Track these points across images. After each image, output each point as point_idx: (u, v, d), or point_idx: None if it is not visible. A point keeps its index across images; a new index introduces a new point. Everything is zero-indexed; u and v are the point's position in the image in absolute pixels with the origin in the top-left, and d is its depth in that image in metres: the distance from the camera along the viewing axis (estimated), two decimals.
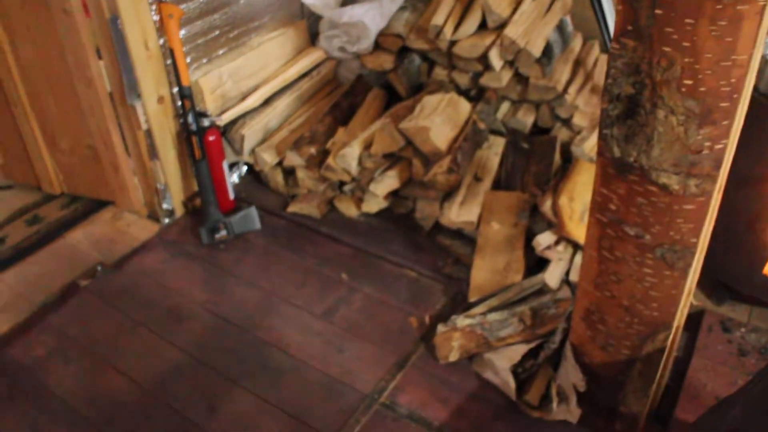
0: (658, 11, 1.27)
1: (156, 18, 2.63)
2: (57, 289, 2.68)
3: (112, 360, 2.36)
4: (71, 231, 3.02)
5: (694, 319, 2.34)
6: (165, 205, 3.01)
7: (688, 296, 1.77)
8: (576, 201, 2.50)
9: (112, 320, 2.53)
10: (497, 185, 2.86)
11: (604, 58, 3.21)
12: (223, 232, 2.87)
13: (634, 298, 1.72)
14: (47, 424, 2.15)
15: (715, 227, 1.65)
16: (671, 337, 1.81)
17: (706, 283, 2.41)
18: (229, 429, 2.12)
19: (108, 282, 2.71)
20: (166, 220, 3.03)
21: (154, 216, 3.06)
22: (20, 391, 2.26)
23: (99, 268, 2.77)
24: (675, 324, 1.78)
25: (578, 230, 2.40)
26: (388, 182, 2.82)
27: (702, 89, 1.32)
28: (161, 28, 2.66)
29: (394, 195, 2.93)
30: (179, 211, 3.05)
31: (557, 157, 2.86)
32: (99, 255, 2.85)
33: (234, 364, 2.32)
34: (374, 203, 2.92)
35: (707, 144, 1.40)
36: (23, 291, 2.68)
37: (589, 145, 2.81)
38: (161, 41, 2.69)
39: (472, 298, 2.42)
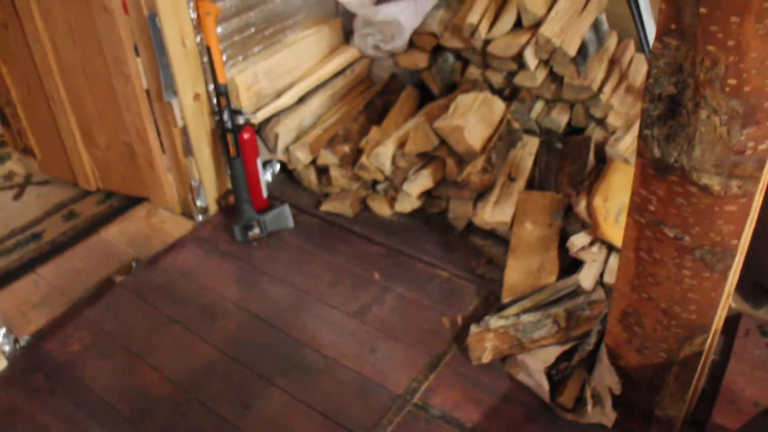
0: (702, 9, 1.25)
1: (194, 15, 2.65)
2: (93, 285, 2.71)
3: (146, 356, 2.38)
4: (106, 227, 3.06)
5: (731, 322, 2.30)
6: (199, 203, 3.03)
7: (727, 299, 1.75)
8: (611, 202, 2.47)
9: (147, 316, 2.55)
10: (531, 185, 2.84)
11: (639, 57, 3.17)
12: (257, 230, 2.89)
13: (672, 301, 1.70)
14: (83, 418, 2.17)
15: (754, 229, 1.63)
16: (709, 340, 1.78)
17: (743, 286, 2.36)
18: (263, 427, 2.13)
19: (143, 278, 2.73)
20: (200, 218, 3.05)
21: (188, 213, 3.08)
22: (56, 385, 2.29)
23: (134, 264, 2.80)
24: (713, 327, 1.75)
25: (613, 231, 2.37)
26: (421, 181, 2.81)
27: (746, 89, 1.29)
28: (198, 26, 2.68)
29: (427, 195, 2.92)
30: (213, 209, 3.07)
31: (591, 157, 2.83)
32: (134, 251, 2.89)
33: (267, 363, 2.33)
34: (407, 203, 2.91)
35: (750, 144, 1.37)
36: (60, 285, 2.71)
37: (624, 145, 2.78)
38: (198, 39, 2.71)
39: (506, 299, 2.40)
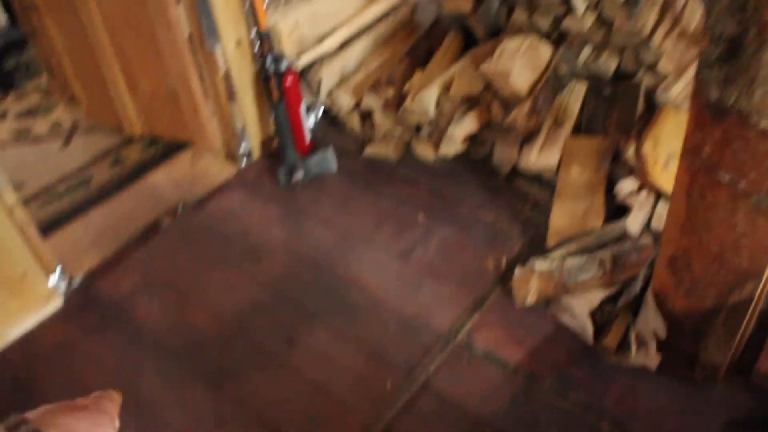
0: None
1: None
2: (140, 227, 2.76)
3: (194, 295, 2.44)
4: (152, 172, 3.09)
5: None
6: (243, 147, 3.05)
7: None
8: (660, 148, 2.44)
9: (193, 257, 2.60)
10: (578, 130, 2.80)
11: (693, 1, 3.07)
12: (300, 173, 2.90)
13: (724, 246, 1.68)
14: (135, 353, 2.24)
15: None
16: (760, 288, 1.76)
17: None
18: (308, 361, 2.18)
19: (188, 221, 2.78)
20: (244, 162, 3.07)
21: (232, 157, 3.10)
22: (109, 322, 2.36)
23: (180, 207, 2.84)
24: (765, 275, 1.73)
25: (662, 178, 2.35)
26: (466, 125, 2.79)
27: None
28: None
29: (471, 139, 2.90)
30: (257, 153, 3.09)
31: (641, 103, 2.78)
32: (179, 195, 2.92)
33: (312, 301, 2.37)
34: (451, 146, 2.89)
35: None
36: (109, 228, 2.76)
37: (676, 91, 2.71)
38: None
39: (551, 243, 2.40)
